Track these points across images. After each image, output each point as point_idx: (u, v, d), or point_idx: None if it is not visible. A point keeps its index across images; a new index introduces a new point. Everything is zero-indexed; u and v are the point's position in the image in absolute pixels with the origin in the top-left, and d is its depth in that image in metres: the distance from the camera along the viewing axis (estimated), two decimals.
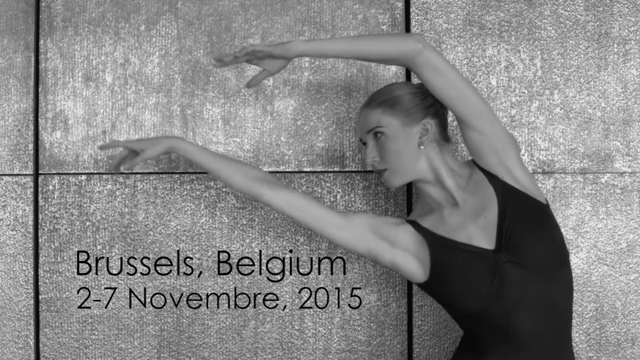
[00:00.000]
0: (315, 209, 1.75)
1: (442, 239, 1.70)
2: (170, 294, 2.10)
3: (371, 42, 1.68)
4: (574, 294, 2.07)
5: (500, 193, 1.69)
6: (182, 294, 2.10)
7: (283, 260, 2.10)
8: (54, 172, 2.11)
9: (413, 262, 1.73)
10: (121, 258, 2.09)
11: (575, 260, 2.07)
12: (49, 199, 2.10)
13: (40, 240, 2.10)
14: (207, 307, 2.10)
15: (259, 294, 2.10)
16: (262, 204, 1.97)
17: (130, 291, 2.10)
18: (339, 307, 2.10)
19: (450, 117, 1.99)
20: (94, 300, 2.10)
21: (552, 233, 1.68)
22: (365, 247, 1.75)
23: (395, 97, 1.75)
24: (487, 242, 1.67)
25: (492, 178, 1.71)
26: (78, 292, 2.10)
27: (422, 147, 1.73)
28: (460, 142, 2.09)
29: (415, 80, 2.09)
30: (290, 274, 2.10)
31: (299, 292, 2.10)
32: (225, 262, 2.10)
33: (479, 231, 1.69)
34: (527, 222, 1.66)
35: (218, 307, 2.10)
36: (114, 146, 1.82)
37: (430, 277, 1.70)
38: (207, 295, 2.10)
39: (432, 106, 1.75)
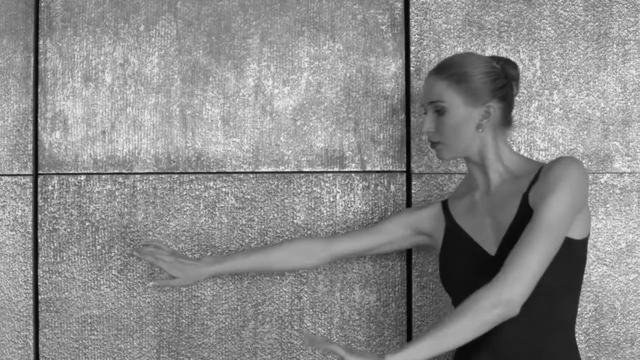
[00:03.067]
0: (345, 243, 1.90)
1: (457, 229, 1.77)
2: (170, 294, 2.10)
3: (462, 334, 1.52)
4: None
5: (521, 209, 1.65)
6: (181, 294, 2.10)
7: None
8: (53, 172, 2.11)
9: (431, 242, 1.88)
10: (121, 258, 2.09)
11: None
12: (49, 199, 2.10)
13: (39, 240, 2.10)
14: (207, 307, 2.10)
15: (259, 294, 2.09)
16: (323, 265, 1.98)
17: (130, 291, 2.10)
18: (338, 307, 2.10)
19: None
20: (93, 301, 2.10)
21: (554, 265, 1.59)
22: (399, 247, 1.94)
23: (465, 73, 1.68)
24: (492, 246, 1.69)
25: (524, 197, 1.65)
26: (77, 293, 2.10)
27: (480, 130, 1.69)
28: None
29: (419, 76, 2.10)
30: (290, 274, 2.10)
31: (299, 292, 2.10)
32: None
33: (491, 231, 1.70)
34: None
35: (217, 308, 2.10)
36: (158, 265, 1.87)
37: (440, 253, 1.82)
38: (207, 296, 2.10)
39: (501, 89, 1.69)
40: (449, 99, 1.68)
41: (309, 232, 2.09)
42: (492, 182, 1.73)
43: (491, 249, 1.69)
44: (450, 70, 1.69)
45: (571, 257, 1.63)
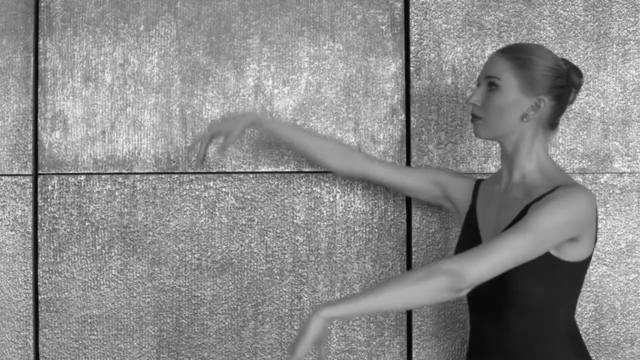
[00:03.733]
0: (382, 169, 1.92)
1: (474, 215, 1.78)
2: (170, 294, 2.10)
3: (405, 295, 1.49)
4: None
5: (519, 216, 1.64)
6: (181, 294, 2.10)
7: (282, 260, 2.10)
8: (53, 172, 2.11)
9: (455, 212, 1.91)
10: (121, 258, 2.09)
11: None
12: (48, 199, 2.10)
13: (39, 240, 2.10)
14: (207, 307, 2.10)
15: (259, 294, 2.09)
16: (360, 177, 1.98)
17: (130, 291, 2.10)
18: None
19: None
20: (93, 301, 2.10)
21: (535, 280, 1.61)
22: (427, 199, 1.95)
23: (529, 59, 1.65)
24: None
25: (526, 209, 1.63)
26: (77, 293, 2.10)
27: (524, 120, 1.66)
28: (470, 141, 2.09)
29: (419, 76, 2.10)
30: (290, 274, 2.10)
31: (299, 292, 2.10)
32: (225, 262, 2.10)
33: (492, 229, 1.71)
34: None
35: (217, 308, 2.10)
36: (202, 140, 1.90)
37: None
38: (207, 296, 2.10)
39: (559, 88, 1.66)
40: (505, 79, 1.65)
41: (309, 232, 2.09)
42: (513, 180, 1.71)
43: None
44: (517, 53, 1.67)
45: (558, 275, 1.62)
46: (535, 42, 2.09)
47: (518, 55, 1.66)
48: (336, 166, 1.94)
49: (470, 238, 1.76)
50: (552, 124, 1.70)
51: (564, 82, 1.67)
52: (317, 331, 1.49)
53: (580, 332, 2.06)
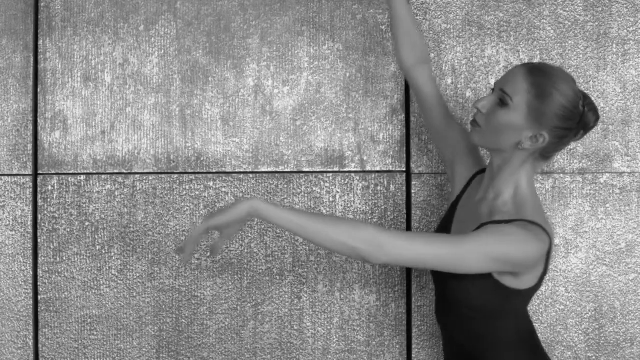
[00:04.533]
0: (435, 103, 1.89)
1: (454, 208, 1.79)
2: (170, 294, 2.10)
3: (325, 235, 1.51)
4: (573, 294, 2.07)
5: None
6: (181, 294, 2.10)
7: (282, 260, 2.10)
8: (53, 172, 2.11)
9: (452, 178, 1.89)
10: (120, 258, 2.09)
11: (575, 261, 2.08)
12: (48, 199, 2.10)
13: (39, 240, 2.10)
14: (207, 307, 2.10)
15: (258, 294, 2.10)
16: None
17: (130, 291, 2.10)
18: (338, 307, 2.10)
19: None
20: (93, 301, 2.10)
21: (483, 290, 1.62)
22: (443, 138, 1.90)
23: (549, 93, 1.58)
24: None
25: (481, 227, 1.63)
26: (77, 293, 2.10)
27: (519, 147, 1.62)
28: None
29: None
30: (290, 274, 2.10)
31: (298, 292, 2.10)
32: (225, 262, 2.10)
33: (458, 230, 1.74)
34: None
35: (217, 308, 2.10)
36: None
37: None
38: (206, 296, 2.10)
39: (565, 130, 1.60)
40: (517, 102, 1.60)
41: None
42: (487, 196, 1.70)
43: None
44: (541, 79, 1.59)
45: (500, 295, 1.62)
46: (538, 41, 2.09)
47: (540, 83, 1.59)
48: (406, 52, 1.90)
49: (446, 227, 1.79)
50: (545, 156, 1.67)
51: (573, 125, 1.61)
52: (238, 215, 1.52)
53: (580, 332, 2.06)
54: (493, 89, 1.67)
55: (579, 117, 1.60)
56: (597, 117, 1.64)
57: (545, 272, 1.64)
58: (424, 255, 1.51)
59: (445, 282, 1.67)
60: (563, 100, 1.58)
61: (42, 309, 2.10)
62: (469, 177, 1.83)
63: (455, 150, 1.86)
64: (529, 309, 2.06)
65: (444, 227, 1.79)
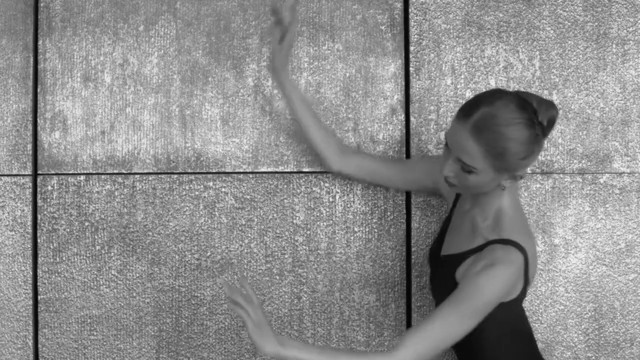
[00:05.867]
0: (384, 171, 1.95)
1: (448, 222, 1.85)
2: (169, 294, 2.10)
3: None
4: (573, 294, 2.07)
5: (456, 259, 1.70)
6: (181, 295, 2.10)
7: (282, 261, 2.10)
8: (52, 172, 2.11)
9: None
10: (120, 258, 2.09)
11: (574, 261, 2.08)
12: (48, 200, 2.10)
13: (39, 240, 2.10)
14: (206, 307, 2.10)
15: (258, 294, 2.09)
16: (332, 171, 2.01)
17: (129, 291, 2.10)
18: (337, 307, 2.10)
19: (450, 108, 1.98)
20: (93, 301, 2.10)
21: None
22: (421, 186, 1.96)
23: (504, 149, 1.54)
24: (447, 248, 1.79)
25: (468, 255, 1.68)
26: (77, 293, 2.10)
27: (502, 189, 1.65)
28: None
29: (418, 76, 2.10)
30: (289, 274, 2.10)
31: (298, 292, 2.10)
32: (224, 262, 2.10)
33: (455, 238, 1.78)
34: (443, 287, 1.71)
35: (217, 308, 2.10)
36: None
37: None
38: (206, 296, 2.10)
39: (532, 155, 1.59)
40: (481, 167, 1.58)
41: (308, 232, 2.09)
42: (473, 210, 1.74)
43: (446, 249, 1.78)
44: (491, 141, 1.55)
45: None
46: (538, 42, 2.09)
47: (492, 144, 1.54)
48: (328, 157, 1.96)
49: (440, 235, 1.85)
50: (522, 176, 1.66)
51: (540, 144, 1.59)
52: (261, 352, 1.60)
53: (580, 332, 2.06)
54: (446, 143, 1.63)
55: (540, 135, 1.58)
56: (555, 109, 1.59)
57: (527, 282, 1.66)
58: (450, 341, 1.58)
59: (435, 288, 1.79)
60: (519, 144, 1.55)
61: (42, 309, 2.10)
62: (453, 195, 1.90)
63: (430, 179, 1.94)
64: (529, 309, 2.06)
65: (440, 238, 1.85)
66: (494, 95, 1.57)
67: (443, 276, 1.73)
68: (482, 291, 1.56)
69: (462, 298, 1.57)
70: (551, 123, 1.59)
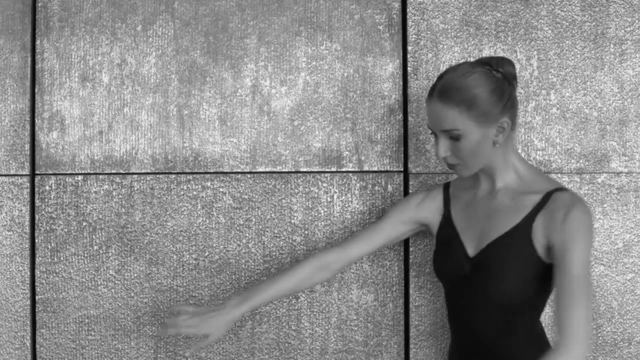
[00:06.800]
0: (357, 248, 1.89)
1: (450, 222, 1.82)
2: (167, 294, 2.10)
3: None
4: None
5: (519, 229, 1.68)
6: (179, 294, 2.10)
7: (280, 260, 2.10)
8: (50, 172, 2.10)
9: (427, 229, 1.92)
10: (118, 258, 2.09)
11: None
12: (46, 200, 2.10)
13: (36, 240, 2.10)
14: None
15: None
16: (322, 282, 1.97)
17: (127, 292, 2.10)
18: (335, 307, 2.10)
19: None
20: (90, 301, 2.10)
21: (526, 290, 1.67)
22: (398, 238, 1.93)
23: (473, 96, 1.63)
24: (473, 247, 1.75)
25: (528, 220, 1.68)
26: (75, 293, 2.10)
27: (497, 146, 1.70)
28: None
29: (416, 76, 2.10)
30: None
31: None
32: (222, 262, 2.10)
33: (478, 233, 1.74)
34: (510, 266, 1.67)
35: None
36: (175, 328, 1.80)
37: (435, 240, 1.88)
38: (204, 296, 2.10)
39: (508, 101, 1.68)
40: (463, 126, 1.65)
41: (306, 232, 2.09)
42: (497, 187, 1.75)
43: (472, 249, 1.74)
44: (458, 95, 1.64)
45: (539, 274, 1.66)
46: (536, 41, 2.09)
47: (460, 98, 1.64)
48: (327, 277, 1.91)
49: (452, 242, 1.79)
50: (515, 126, 1.72)
51: (510, 90, 1.68)
52: None
53: None
54: (432, 132, 1.72)
55: (506, 81, 1.68)
56: (511, 62, 1.70)
57: None
58: (589, 319, 1.56)
59: (487, 283, 1.70)
60: (485, 87, 1.65)
61: (40, 309, 2.10)
62: (441, 200, 1.87)
63: (418, 215, 1.89)
64: None
65: (451, 244, 1.79)
66: (447, 69, 1.72)
67: (503, 257, 1.67)
68: (587, 231, 1.60)
69: (580, 248, 1.58)
70: (510, 75, 1.69)
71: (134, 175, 2.10)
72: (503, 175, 1.74)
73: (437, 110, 1.67)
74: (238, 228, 2.10)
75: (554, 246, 1.60)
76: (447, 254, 1.79)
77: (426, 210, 1.88)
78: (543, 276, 1.66)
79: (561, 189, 1.68)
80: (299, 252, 2.09)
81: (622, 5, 2.10)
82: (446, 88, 1.66)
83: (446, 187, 1.89)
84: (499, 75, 1.68)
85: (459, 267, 1.75)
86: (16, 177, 2.10)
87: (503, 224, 1.70)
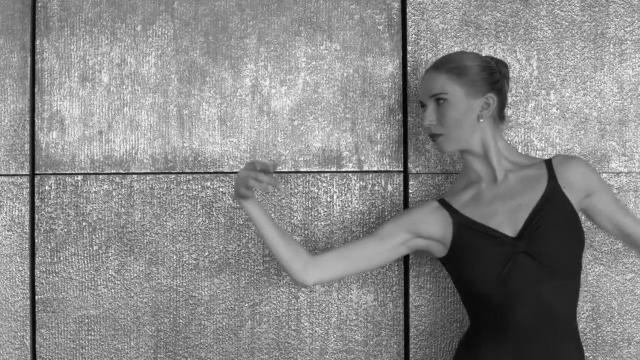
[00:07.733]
0: (357, 261, 1.84)
1: (467, 220, 1.79)
2: (167, 294, 2.10)
3: None
4: None
5: (549, 193, 1.75)
6: (179, 295, 2.10)
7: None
8: (50, 172, 2.10)
9: (434, 245, 1.83)
10: (118, 258, 2.09)
11: None
12: (46, 200, 2.10)
13: (36, 240, 2.10)
14: (204, 307, 2.10)
15: (256, 294, 2.09)
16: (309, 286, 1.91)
17: (127, 292, 2.10)
18: (335, 307, 2.10)
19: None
20: (90, 301, 2.10)
21: (578, 247, 1.75)
22: (399, 255, 1.87)
23: (464, 66, 1.77)
24: (511, 228, 1.75)
25: (553, 183, 1.77)
26: (74, 293, 2.10)
27: (481, 120, 1.77)
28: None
29: (416, 76, 2.10)
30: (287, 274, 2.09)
31: (296, 292, 2.10)
32: (222, 262, 2.10)
33: (506, 215, 1.76)
34: (560, 225, 1.73)
35: (215, 308, 2.10)
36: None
37: (449, 254, 1.80)
38: (204, 296, 2.10)
39: (498, 82, 1.80)
40: (451, 91, 1.76)
41: (306, 232, 2.09)
42: (497, 171, 1.80)
43: (510, 231, 1.74)
44: (449, 64, 1.78)
45: (582, 230, 1.79)
46: (536, 42, 2.09)
47: (452, 66, 1.77)
48: (302, 280, 1.84)
49: (483, 236, 1.74)
50: (501, 117, 1.83)
51: (499, 76, 1.80)
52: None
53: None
54: (423, 106, 1.82)
55: (497, 68, 1.81)
56: (505, 64, 1.86)
57: None
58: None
59: (548, 247, 1.72)
60: (476, 62, 1.78)
61: (40, 309, 2.10)
62: (445, 212, 1.81)
63: (417, 233, 1.83)
64: None
65: (493, 240, 1.74)
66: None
67: (551, 220, 1.72)
68: (594, 169, 1.84)
69: (605, 184, 1.85)
70: (503, 71, 1.83)
71: (134, 176, 2.10)
72: (498, 158, 1.80)
73: (429, 79, 1.80)
74: (238, 228, 2.10)
75: (589, 193, 1.79)
76: (484, 246, 1.73)
77: (429, 225, 1.81)
78: (581, 229, 1.75)
79: (550, 158, 1.82)
80: None
81: (622, 6, 2.10)
82: (440, 60, 1.81)
83: (441, 200, 1.84)
84: (493, 63, 1.82)
85: (509, 250, 1.70)
86: (16, 177, 2.10)
87: (529, 197, 1.76)
